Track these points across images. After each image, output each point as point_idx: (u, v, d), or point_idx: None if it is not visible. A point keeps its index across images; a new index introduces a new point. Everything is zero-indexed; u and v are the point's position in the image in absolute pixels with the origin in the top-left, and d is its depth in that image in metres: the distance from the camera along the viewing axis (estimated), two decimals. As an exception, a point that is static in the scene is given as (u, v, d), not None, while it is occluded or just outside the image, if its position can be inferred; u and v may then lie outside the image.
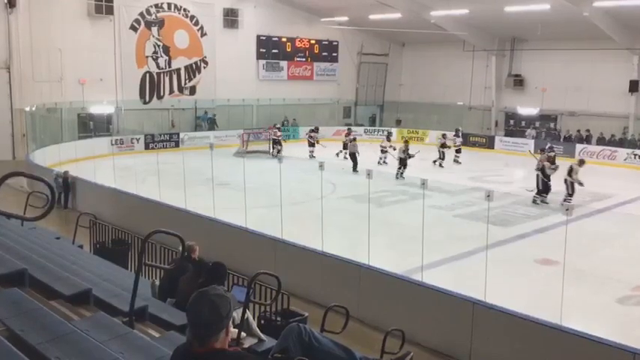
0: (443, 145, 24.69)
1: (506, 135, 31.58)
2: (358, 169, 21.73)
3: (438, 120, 32.73)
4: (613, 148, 26.63)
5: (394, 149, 23.35)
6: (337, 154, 25.15)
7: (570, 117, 29.78)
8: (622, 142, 27.14)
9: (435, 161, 24.29)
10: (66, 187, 16.44)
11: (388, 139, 25.16)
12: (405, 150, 21.20)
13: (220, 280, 5.99)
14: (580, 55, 27.61)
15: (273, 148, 26.18)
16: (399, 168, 20.96)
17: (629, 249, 13.17)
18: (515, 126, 32.50)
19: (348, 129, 28.67)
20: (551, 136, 29.87)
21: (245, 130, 28.28)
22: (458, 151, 26.00)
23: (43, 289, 4.70)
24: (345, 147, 24.93)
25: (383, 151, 24.19)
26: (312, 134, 26.16)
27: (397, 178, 20.43)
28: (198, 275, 6.19)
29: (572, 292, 8.83)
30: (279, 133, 26.70)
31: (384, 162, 24.13)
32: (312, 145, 25.61)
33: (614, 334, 7.43)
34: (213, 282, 5.51)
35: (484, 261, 8.52)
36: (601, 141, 27.52)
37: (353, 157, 22.62)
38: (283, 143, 26.61)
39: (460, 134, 26.81)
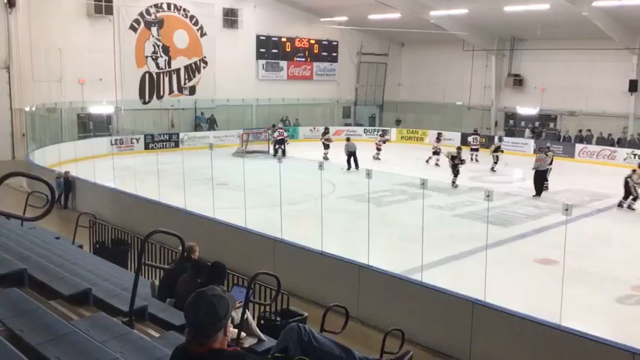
0: (497, 150, 23.98)
1: (505, 135, 31.56)
2: (355, 168, 22.14)
3: (438, 120, 32.73)
4: (613, 148, 26.63)
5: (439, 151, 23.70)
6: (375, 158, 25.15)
7: (570, 117, 29.78)
8: (621, 142, 27.13)
9: (492, 168, 23.57)
10: (67, 187, 16.44)
11: (438, 139, 25.22)
12: (457, 156, 20.08)
13: (220, 280, 6.00)
14: (579, 55, 27.61)
15: (278, 147, 25.79)
16: (455, 176, 19.82)
17: (628, 248, 13.20)
18: (514, 126, 32.51)
19: (383, 132, 28.52)
20: (550, 136, 29.87)
21: (244, 130, 28.28)
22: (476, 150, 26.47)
23: (43, 289, 4.70)
24: (379, 149, 25.40)
25: (435, 153, 24.28)
26: (327, 136, 25.86)
27: (453, 187, 19.26)
28: (196, 275, 6.19)
29: (572, 291, 8.83)
30: (285, 133, 26.55)
31: (435, 164, 24.13)
32: (327, 147, 25.10)
33: (614, 334, 7.43)
34: (212, 282, 5.52)
35: (484, 261, 8.53)
36: (600, 141, 27.51)
37: (353, 155, 22.64)
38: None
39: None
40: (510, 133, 31.82)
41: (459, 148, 20.78)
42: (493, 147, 24.40)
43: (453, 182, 19.55)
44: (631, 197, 17.01)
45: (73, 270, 5.73)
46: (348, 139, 23.66)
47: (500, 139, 25.27)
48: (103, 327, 3.96)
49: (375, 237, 10.31)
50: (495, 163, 23.72)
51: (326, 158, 24.22)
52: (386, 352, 6.16)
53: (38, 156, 20.30)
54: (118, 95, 26.47)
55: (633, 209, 16.87)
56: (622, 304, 10.00)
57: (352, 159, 22.54)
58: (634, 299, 10.25)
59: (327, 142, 25.39)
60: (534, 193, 18.41)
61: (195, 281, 6.02)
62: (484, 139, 28.13)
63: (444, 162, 21.90)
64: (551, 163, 19.38)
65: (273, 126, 28.55)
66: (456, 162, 20.03)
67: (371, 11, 29.18)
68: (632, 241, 13.80)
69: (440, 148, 24.19)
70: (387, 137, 27.55)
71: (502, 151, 24.29)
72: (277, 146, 25.94)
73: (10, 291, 4.11)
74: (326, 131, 26.56)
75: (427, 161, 24.58)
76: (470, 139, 26.99)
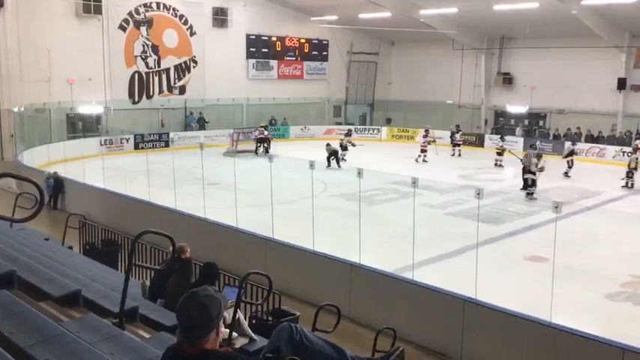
0: (571, 153, 22.25)
1: (494, 133, 31.62)
2: (335, 166, 22.65)
3: (428, 119, 32.77)
4: (602, 146, 26.80)
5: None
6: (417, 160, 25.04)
7: (559, 114, 29.97)
8: (611, 140, 27.31)
9: (566, 173, 21.94)
10: (56, 187, 16.34)
11: (502, 139, 25.11)
12: (537, 164, 18.15)
13: (212, 281, 5.98)
14: (568, 53, 27.77)
15: (259, 145, 26.06)
16: (529, 185, 18.04)
17: (617, 245, 13.27)
18: (504, 124, 32.61)
19: (426, 130, 27.10)
20: (541, 134, 30.01)
21: (235, 129, 28.22)
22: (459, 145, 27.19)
23: (32, 290, 4.67)
24: (423, 151, 25.15)
25: (499, 154, 24.11)
26: (349, 138, 25.27)
27: (528, 198, 17.66)
28: (185, 275, 6.17)
29: (562, 288, 8.88)
30: (265, 132, 26.61)
31: (500, 164, 24.01)
32: (345, 148, 24.50)
33: (604, 330, 7.49)
34: (205, 282, 5.51)
35: (475, 259, 8.56)
36: (589, 138, 27.68)
37: (335, 154, 22.91)
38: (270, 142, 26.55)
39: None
40: (498, 131, 31.89)
41: (538, 156, 18.89)
42: (566, 151, 22.69)
43: (532, 193, 17.89)
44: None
45: (63, 271, 5.70)
46: (328, 145, 23.67)
47: (573, 143, 23.36)
48: (94, 328, 3.94)
49: (367, 236, 10.33)
50: (570, 167, 21.95)
51: (343, 160, 23.81)
52: (378, 351, 6.17)
53: (27, 157, 20.16)
54: (107, 95, 26.34)
55: None
56: (612, 300, 10.07)
57: (335, 159, 22.85)
58: (623, 296, 10.32)
59: (347, 144, 24.75)
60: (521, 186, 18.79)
61: (183, 281, 6.01)
62: (474, 138, 28.40)
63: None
64: (538, 168, 18.94)
65: (265, 127, 28.45)
66: (534, 170, 18.12)
67: (361, 10, 29.20)
68: (620, 239, 13.89)
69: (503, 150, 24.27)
70: (429, 138, 25.79)
71: (576, 154, 22.53)
72: (258, 144, 26.10)
73: (-2, 293, 4.07)
74: (349, 133, 26.15)
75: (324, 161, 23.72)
76: (457, 135, 27.47)
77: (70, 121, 25.89)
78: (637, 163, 20.33)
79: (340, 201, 16.01)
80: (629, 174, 20.12)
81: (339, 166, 22.56)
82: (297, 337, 4.21)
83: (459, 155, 26.85)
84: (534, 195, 17.86)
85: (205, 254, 8.13)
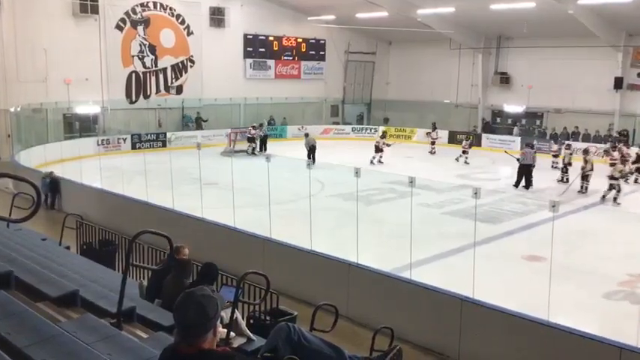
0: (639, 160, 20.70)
1: (484, 132, 31.65)
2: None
3: (426, 118, 32.80)
4: (599, 145, 26.82)
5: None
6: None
7: (556, 114, 30.02)
8: (608, 139, 27.35)
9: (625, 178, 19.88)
10: (52, 187, 16.30)
11: (559, 141, 24.77)
12: (621, 170, 17.24)
13: (211, 281, 5.98)
14: (565, 53, 27.82)
15: (249, 145, 26.40)
16: (618, 191, 17.26)
17: (614, 244, 13.30)
18: (501, 124, 32.64)
19: (467, 135, 26.88)
20: (538, 133, 30.06)
21: (232, 129, 28.20)
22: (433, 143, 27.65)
23: (30, 291, 4.66)
24: (465, 152, 25.13)
25: (555, 156, 23.16)
26: (384, 140, 24.71)
27: (613, 204, 17.07)
28: (182, 276, 6.17)
29: (560, 287, 8.89)
30: (253, 132, 26.63)
31: (556, 166, 22.63)
32: (380, 150, 24.04)
33: (601, 329, 7.49)
34: (203, 282, 5.51)
35: (472, 258, 8.56)
36: (586, 138, 27.73)
37: (314, 149, 23.20)
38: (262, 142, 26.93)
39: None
40: (491, 129, 31.90)
41: (625, 160, 17.89)
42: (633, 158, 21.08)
43: (615, 199, 17.31)
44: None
45: (60, 271, 5.69)
46: (307, 135, 24.02)
47: None
48: (91, 328, 3.93)
49: (364, 235, 10.33)
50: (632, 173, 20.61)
51: (373, 162, 23.59)
52: (376, 350, 6.17)
53: (24, 157, 20.10)
54: (104, 95, 26.30)
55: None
56: (609, 299, 10.09)
57: (312, 154, 22.99)
58: (621, 295, 10.34)
59: (378, 146, 24.27)
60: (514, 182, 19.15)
61: (181, 282, 6.00)
62: (471, 137, 28.42)
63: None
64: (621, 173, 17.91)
65: (261, 125, 28.44)
66: (617, 175, 17.37)
67: (358, 10, 29.22)
68: (617, 238, 13.93)
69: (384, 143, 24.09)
70: (470, 141, 26.31)
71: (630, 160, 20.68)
72: (248, 144, 26.36)
73: (-4, 293, 4.07)
74: (384, 135, 25.95)
75: (371, 162, 23.63)
76: (433, 134, 28.23)
77: (67, 121, 25.85)
78: (571, 158, 20.65)
79: (338, 201, 16.01)
80: (564, 169, 20.50)
81: (313, 162, 22.28)
82: (294, 336, 4.22)
83: (434, 153, 27.40)
84: (618, 200, 17.26)
85: (203, 254, 8.14)
